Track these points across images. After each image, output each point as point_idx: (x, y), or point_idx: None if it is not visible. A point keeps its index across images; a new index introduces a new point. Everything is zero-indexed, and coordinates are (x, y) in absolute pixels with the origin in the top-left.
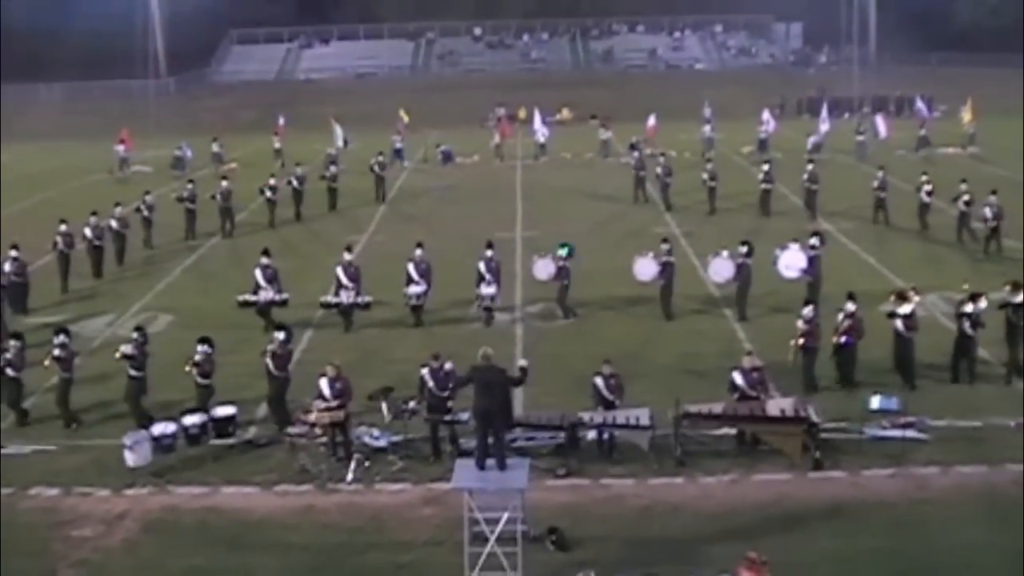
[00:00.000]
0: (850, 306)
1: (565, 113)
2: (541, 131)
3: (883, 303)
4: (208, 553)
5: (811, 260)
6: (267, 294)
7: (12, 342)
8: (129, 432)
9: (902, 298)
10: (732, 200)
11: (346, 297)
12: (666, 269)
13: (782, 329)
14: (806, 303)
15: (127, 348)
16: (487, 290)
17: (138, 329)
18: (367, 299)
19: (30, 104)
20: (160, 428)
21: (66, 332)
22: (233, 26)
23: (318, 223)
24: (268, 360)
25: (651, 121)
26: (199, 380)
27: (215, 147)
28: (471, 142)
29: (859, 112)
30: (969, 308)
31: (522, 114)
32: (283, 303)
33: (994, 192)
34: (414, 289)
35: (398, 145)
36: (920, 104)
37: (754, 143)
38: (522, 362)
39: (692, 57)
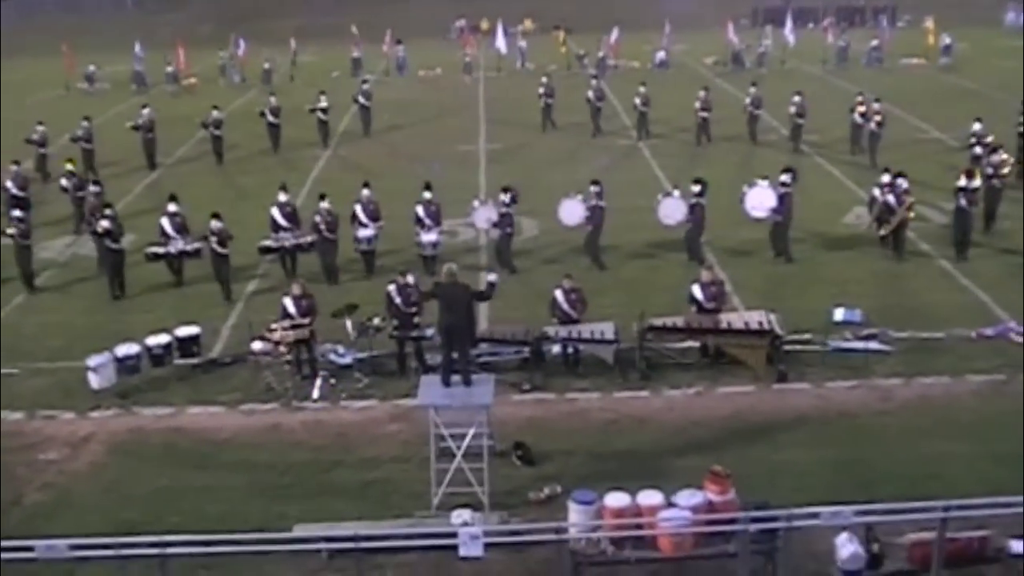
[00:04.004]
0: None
1: (528, 24)
2: (503, 43)
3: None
4: (174, 473)
5: (781, 198)
6: (177, 244)
7: (15, 212)
8: (92, 354)
9: (969, 175)
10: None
11: (285, 239)
12: (594, 214)
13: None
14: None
15: (104, 223)
16: (427, 237)
17: (107, 205)
18: (308, 238)
19: None
20: (124, 349)
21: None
22: None
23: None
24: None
25: (614, 35)
26: (218, 249)
27: (168, 68)
28: (433, 55)
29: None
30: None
31: (484, 25)
32: (195, 253)
33: None
34: (363, 233)
35: (356, 54)
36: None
37: (719, 53)
38: (491, 277)
39: None
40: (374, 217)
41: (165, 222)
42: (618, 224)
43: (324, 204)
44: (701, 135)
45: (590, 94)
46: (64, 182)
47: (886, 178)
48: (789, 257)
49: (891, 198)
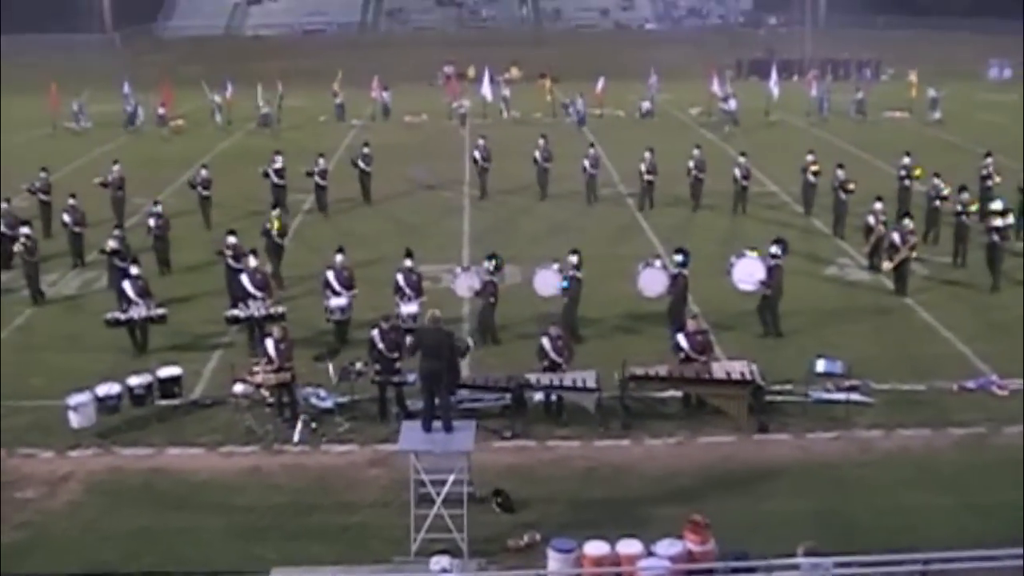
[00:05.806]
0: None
1: (514, 72)
2: (488, 90)
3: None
4: (153, 514)
5: (771, 270)
6: (140, 310)
7: (23, 229)
8: (73, 393)
9: (1003, 213)
10: (675, 159)
11: (255, 308)
12: (572, 285)
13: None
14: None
15: (112, 243)
16: (407, 308)
17: (118, 227)
18: (279, 309)
19: None
20: (105, 388)
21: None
22: None
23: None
24: None
25: (600, 84)
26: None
27: (160, 110)
28: (419, 100)
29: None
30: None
31: (471, 72)
32: (161, 319)
33: None
34: (336, 302)
35: (338, 101)
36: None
37: (704, 104)
38: (469, 341)
39: (642, 17)
40: (347, 285)
41: (127, 286)
42: (600, 272)
43: (275, 212)
44: (645, 199)
45: (537, 155)
46: (66, 217)
47: (879, 205)
48: (778, 332)
49: (896, 236)
